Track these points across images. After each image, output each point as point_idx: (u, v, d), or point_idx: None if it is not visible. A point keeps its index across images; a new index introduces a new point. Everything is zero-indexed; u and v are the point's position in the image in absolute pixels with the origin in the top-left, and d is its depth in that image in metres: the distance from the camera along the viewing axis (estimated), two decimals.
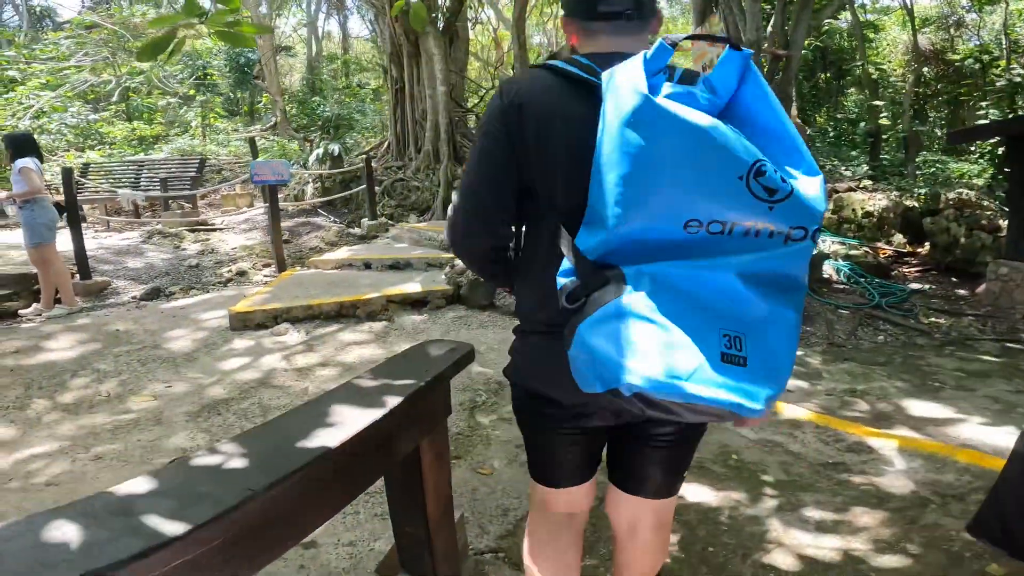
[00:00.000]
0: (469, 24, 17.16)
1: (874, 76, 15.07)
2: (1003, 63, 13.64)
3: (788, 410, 3.65)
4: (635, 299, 0.91)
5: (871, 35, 15.29)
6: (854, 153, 13.99)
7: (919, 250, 7.94)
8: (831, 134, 14.72)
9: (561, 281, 1.02)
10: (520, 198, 1.19)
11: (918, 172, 12.88)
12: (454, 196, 1.26)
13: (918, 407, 3.81)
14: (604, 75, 1.01)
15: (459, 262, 5.88)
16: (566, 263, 1.03)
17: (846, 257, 7.27)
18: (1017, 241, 6.08)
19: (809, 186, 0.92)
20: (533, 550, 1.44)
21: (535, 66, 1.22)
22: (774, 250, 0.92)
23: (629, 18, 1.18)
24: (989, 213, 7.61)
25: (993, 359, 4.88)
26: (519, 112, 1.12)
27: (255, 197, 10.42)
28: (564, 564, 1.41)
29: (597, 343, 0.92)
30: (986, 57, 14.05)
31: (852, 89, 16.07)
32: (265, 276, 6.81)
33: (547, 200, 1.14)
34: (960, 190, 9.11)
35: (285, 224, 9.39)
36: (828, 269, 6.96)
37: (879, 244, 7.97)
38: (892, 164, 13.63)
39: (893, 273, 7.44)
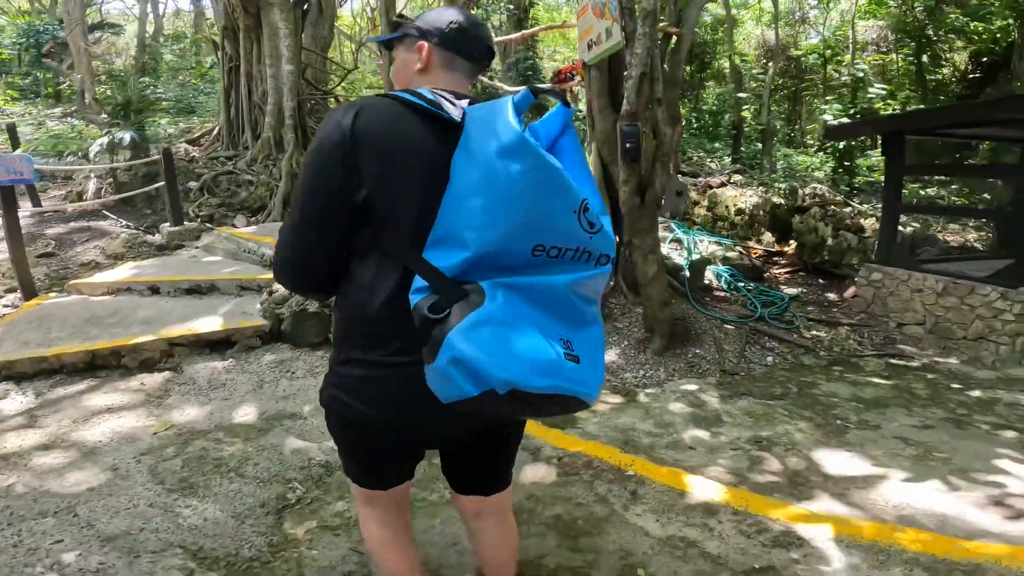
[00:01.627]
0: None
1: (740, 68, 15.58)
2: (848, 58, 14.47)
3: (699, 489, 2.86)
4: (496, 308, 1.03)
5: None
6: (717, 145, 14.30)
7: (786, 249, 7.88)
8: (695, 126, 14.97)
9: (415, 299, 1.08)
10: (352, 231, 1.22)
11: (778, 165, 13.40)
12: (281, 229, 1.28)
13: (831, 460, 3.23)
14: (470, 111, 1.16)
15: (279, 286, 4.52)
16: (418, 282, 1.09)
17: (724, 260, 6.91)
18: (889, 245, 5.97)
19: (608, 223, 1.16)
20: (375, 542, 1.58)
21: (381, 95, 1.22)
22: (591, 270, 1.14)
23: (482, 66, 1.40)
24: (849, 210, 7.67)
25: (883, 381, 4.56)
26: (359, 146, 1.16)
27: (22, 195, 8.04)
28: (404, 542, 1.58)
29: (468, 349, 1.00)
30: (828, 52, 14.95)
31: (711, 82, 16.55)
32: (5, 306, 4.94)
33: (393, 230, 1.18)
34: (815, 184, 9.29)
35: (57, 231, 7.27)
36: (709, 275, 6.53)
37: (751, 244, 7.78)
38: (749, 156, 14.12)
39: (766, 275, 7.25)
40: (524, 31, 9.83)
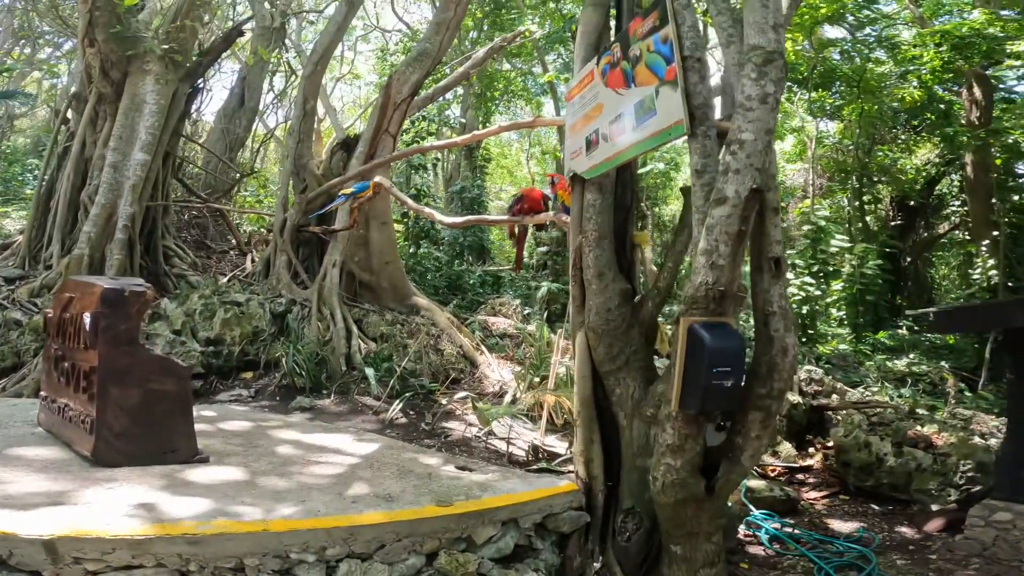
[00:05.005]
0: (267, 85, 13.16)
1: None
2: (807, 203, 13.51)
3: None
4: None
5: (672, 174, 14.89)
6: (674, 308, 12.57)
7: (811, 462, 5.78)
8: None
9: None
10: None
11: None
12: None
13: None
14: None
15: None
16: None
17: (747, 493, 4.64)
18: (1016, 471, 4.12)
19: None
20: None
21: None
22: None
23: None
24: (890, 412, 5.75)
25: None
26: None
27: None
28: None
29: None
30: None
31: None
32: None
33: None
34: (807, 368, 7.44)
35: None
36: (743, 531, 4.22)
37: (768, 460, 5.58)
38: None
39: (800, 505, 5.02)
40: (475, 132, 7.86)
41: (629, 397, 3.02)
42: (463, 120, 13.86)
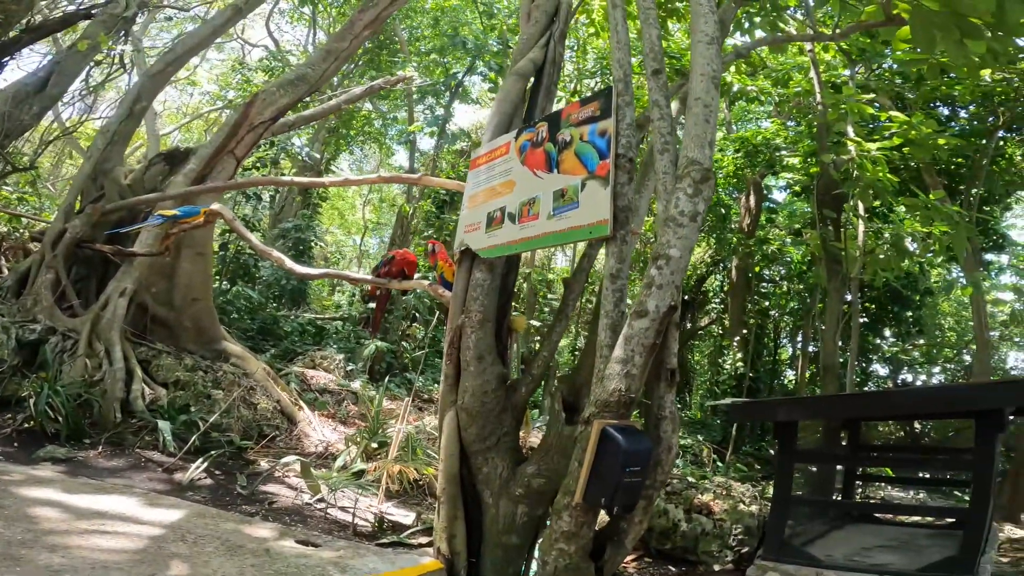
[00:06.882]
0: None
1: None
2: None
3: None
4: None
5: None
6: None
7: None
8: None
9: None
10: None
11: None
12: None
13: None
14: None
15: None
16: None
17: None
18: (780, 536, 4.75)
19: None
20: None
21: None
22: None
23: None
24: (676, 481, 6.53)
25: None
26: None
27: None
28: None
29: None
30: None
31: None
32: None
33: None
34: None
35: None
36: None
37: None
38: None
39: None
40: (349, 178, 7.32)
41: (497, 476, 3.01)
42: (316, 155, 13.06)
